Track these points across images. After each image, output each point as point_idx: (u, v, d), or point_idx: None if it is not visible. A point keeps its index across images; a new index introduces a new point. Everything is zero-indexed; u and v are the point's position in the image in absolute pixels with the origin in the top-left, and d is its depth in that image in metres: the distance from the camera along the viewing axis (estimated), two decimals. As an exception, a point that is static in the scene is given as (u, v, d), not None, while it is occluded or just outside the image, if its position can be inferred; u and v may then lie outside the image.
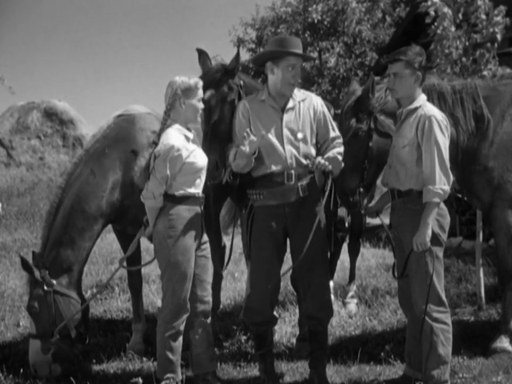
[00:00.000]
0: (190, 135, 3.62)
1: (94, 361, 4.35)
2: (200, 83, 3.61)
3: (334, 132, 3.77)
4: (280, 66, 3.60)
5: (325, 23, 14.82)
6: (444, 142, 3.43)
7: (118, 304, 5.90)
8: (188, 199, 3.58)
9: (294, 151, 3.65)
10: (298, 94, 3.75)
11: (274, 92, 3.70)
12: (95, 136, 4.39)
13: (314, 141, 3.74)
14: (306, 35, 14.64)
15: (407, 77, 3.51)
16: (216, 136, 3.71)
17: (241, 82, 3.90)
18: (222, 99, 3.77)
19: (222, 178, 3.75)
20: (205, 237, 3.75)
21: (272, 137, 3.63)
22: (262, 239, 3.68)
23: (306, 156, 3.66)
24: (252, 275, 3.79)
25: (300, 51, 3.65)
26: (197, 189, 3.62)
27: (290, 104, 3.70)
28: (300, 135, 3.66)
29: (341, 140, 3.74)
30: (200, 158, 3.61)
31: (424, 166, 3.44)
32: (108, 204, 4.17)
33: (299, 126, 3.68)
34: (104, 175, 4.16)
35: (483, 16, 5.48)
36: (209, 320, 3.79)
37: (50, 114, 16.98)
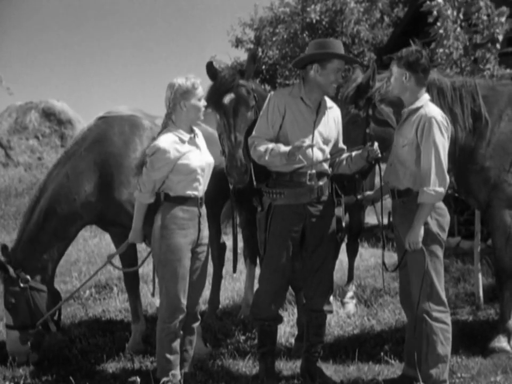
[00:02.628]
0: (186, 137, 3.60)
1: (93, 361, 4.36)
2: (198, 83, 3.61)
3: (342, 145, 3.88)
4: (327, 68, 3.64)
5: (323, 23, 14.75)
6: (443, 143, 3.42)
7: (116, 304, 5.91)
8: (183, 199, 3.59)
9: (320, 153, 3.70)
10: (327, 100, 3.82)
11: (316, 91, 3.71)
12: (75, 138, 4.41)
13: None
14: (304, 35, 14.56)
15: (398, 76, 3.54)
16: (242, 141, 3.74)
17: (253, 86, 3.93)
18: (244, 102, 3.81)
19: (247, 182, 3.77)
20: (204, 239, 3.72)
21: (306, 138, 3.63)
22: (281, 238, 3.70)
23: (332, 154, 3.76)
24: (265, 271, 3.81)
25: (346, 54, 3.76)
26: (193, 191, 3.61)
27: (322, 108, 3.75)
28: (328, 139, 3.74)
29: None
30: (194, 159, 3.59)
31: (421, 166, 3.45)
32: (82, 206, 4.20)
33: (327, 131, 3.74)
34: (77, 178, 4.19)
35: (484, 17, 5.48)
36: (196, 323, 3.81)
37: (49, 114, 16.95)
